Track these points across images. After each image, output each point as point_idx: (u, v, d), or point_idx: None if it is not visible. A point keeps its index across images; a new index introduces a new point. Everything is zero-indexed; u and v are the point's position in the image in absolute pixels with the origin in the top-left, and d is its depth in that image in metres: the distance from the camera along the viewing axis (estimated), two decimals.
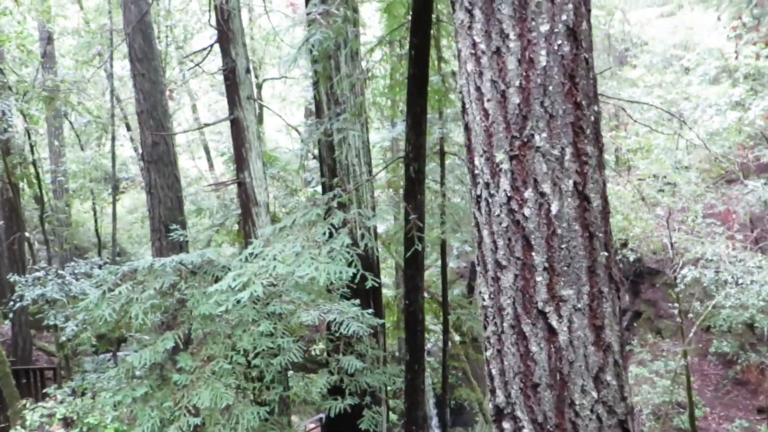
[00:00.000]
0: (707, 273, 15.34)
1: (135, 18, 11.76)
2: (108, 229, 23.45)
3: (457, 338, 13.64)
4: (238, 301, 5.10)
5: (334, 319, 6.56)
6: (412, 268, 5.73)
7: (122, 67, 17.56)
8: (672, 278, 15.62)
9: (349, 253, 4.86)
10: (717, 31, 20.67)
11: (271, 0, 19.64)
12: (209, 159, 25.39)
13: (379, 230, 11.51)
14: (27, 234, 10.77)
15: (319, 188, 14.38)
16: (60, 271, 9.35)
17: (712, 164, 17.83)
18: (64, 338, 8.80)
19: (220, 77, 20.08)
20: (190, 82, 22.43)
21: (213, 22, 8.73)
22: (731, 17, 20.70)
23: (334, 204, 5.21)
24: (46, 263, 10.19)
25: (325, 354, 7.08)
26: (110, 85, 12.62)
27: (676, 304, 14.97)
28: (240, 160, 8.12)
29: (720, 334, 17.89)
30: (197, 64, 9.59)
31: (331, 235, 5.08)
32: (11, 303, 9.09)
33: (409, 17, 5.83)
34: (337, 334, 6.66)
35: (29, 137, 10.65)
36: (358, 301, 7.07)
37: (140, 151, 20.67)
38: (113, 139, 12.18)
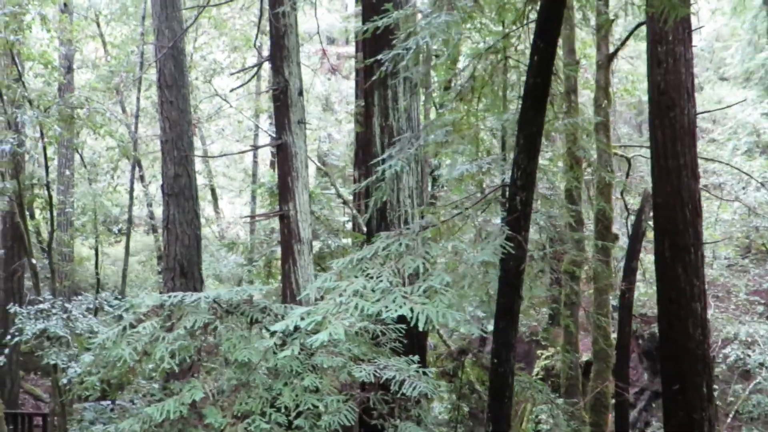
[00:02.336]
0: (752, 354, 14.43)
1: (168, 43, 11.10)
2: (108, 271, 22.44)
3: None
4: (305, 347, 4.15)
5: (393, 377, 5.61)
6: (505, 320, 4.78)
7: (145, 98, 16.86)
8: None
9: (449, 292, 3.93)
10: (749, 107, 20.32)
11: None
12: (215, 203, 24.56)
13: None
14: (34, 261, 9.77)
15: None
16: (66, 305, 8.34)
17: (756, 239, 17.07)
18: (65, 380, 7.73)
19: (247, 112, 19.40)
20: (202, 128, 21.79)
21: (259, 41, 8.04)
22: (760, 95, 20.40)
23: (427, 234, 4.31)
24: (51, 295, 9.15)
25: (380, 418, 6.05)
26: (136, 108, 11.87)
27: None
28: (285, 190, 7.26)
29: (749, 420, 16.81)
30: (243, 84, 8.84)
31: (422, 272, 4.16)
32: (8, 337, 8.04)
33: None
34: (398, 395, 5.65)
35: (45, 154, 9.79)
36: (417, 357, 6.13)
37: (148, 191, 19.85)
38: (134, 167, 11.35)
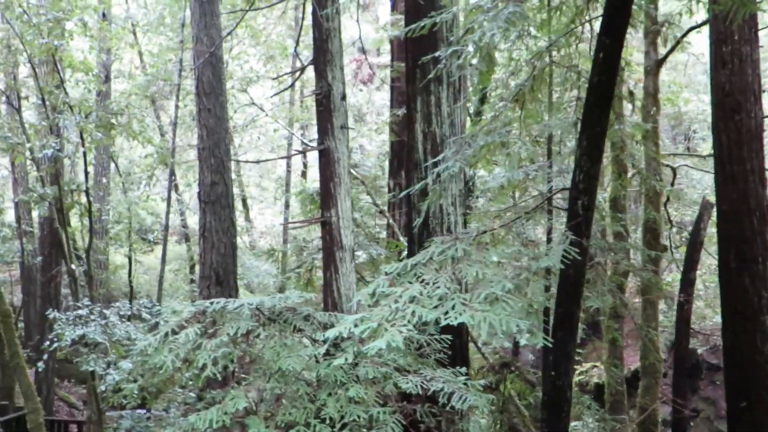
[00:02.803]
0: None
1: (206, 50, 11.11)
2: (140, 279, 22.54)
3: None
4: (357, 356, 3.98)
5: (441, 389, 5.40)
6: (564, 330, 4.55)
7: (182, 106, 16.93)
8: None
9: (512, 299, 3.73)
10: None
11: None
12: (247, 213, 24.61)
13: None
14: (73, 267, 9.75)
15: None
16: (105, 311, 8.28)
17: None
18: (103, 387, 7.63)
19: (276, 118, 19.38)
20: (236, 138, 21.87)
21: (299, 47, 7.95)
22: None
23: (486, 239, 4.12)
24: (89, 301, 9.11)
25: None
26: (174, 115, 11.88)
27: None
28: (327, 196, 7.12)
29: None
30: (285, 89, 8.75)
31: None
32: (47, 343, 7.99)
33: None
34: (446, 408, 5.44)
35: (85, 160, 9.79)
36: (464, 369, 5.93)
37: (182, 199, 19.92)
38: (171, 174, 11.34)
